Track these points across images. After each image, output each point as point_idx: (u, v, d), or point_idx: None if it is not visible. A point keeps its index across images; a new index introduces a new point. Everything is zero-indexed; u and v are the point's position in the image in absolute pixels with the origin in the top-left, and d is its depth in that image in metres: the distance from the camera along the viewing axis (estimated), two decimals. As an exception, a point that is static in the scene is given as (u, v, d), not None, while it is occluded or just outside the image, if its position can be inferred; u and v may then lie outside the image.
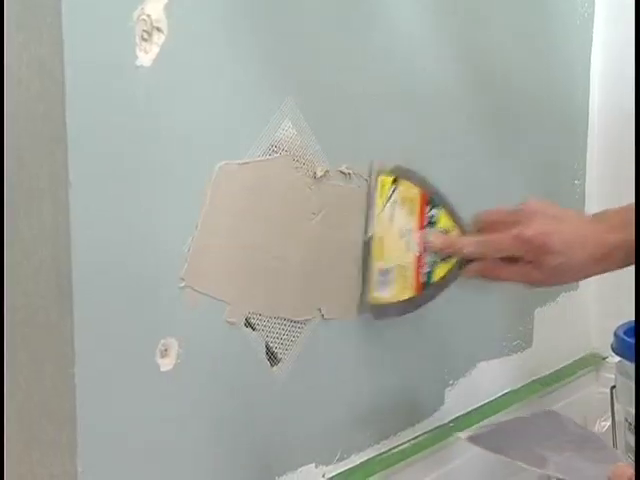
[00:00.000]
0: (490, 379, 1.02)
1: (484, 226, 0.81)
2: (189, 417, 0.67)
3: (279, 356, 0.74)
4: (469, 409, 0.98)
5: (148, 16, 0.60)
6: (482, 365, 1.00)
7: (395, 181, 0.76)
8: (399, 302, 0.77)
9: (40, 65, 0.57)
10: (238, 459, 0.72)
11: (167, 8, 0.61)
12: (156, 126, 0.61)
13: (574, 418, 1.14)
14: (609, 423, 1.06)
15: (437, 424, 0.94)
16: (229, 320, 0.69)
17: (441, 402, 0.95)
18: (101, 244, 0.59)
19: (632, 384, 0.93)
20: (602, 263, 0.79)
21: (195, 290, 0.66)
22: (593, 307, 1.19)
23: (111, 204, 0.60)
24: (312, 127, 0.74)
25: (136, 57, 0.59)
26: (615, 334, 0.99)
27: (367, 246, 0.76)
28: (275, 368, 0.74)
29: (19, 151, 0.59)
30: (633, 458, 0.96)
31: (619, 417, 1.01)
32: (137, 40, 0.59)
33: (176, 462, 0.67)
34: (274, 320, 0.73)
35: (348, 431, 0.83)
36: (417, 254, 0.76)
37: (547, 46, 1.06)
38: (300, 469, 0.78)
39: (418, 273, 0.76)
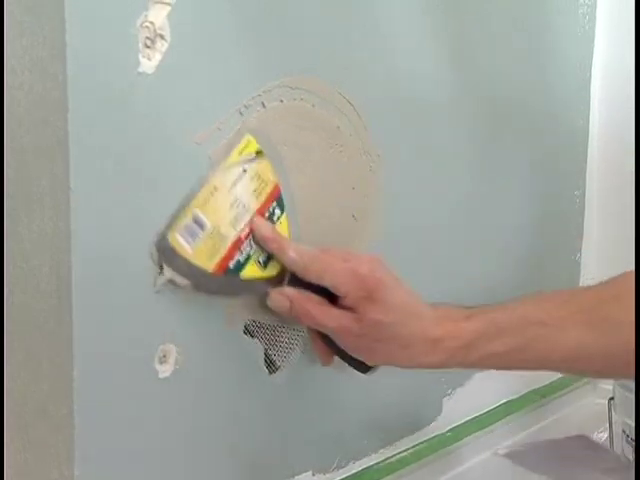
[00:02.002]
0: (488, 389, 1.02)
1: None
2: (186, 423, 0.67)
3: (278, 364, 0.74)
4: (467, 419, 0.98)
5: (151, 23, 0.60)
6: (480, 375, 1.00)
7: (259, 152, 0.67)
8: (191, 264, 0.63)
9: (42, 69, 0.57)
10: (235, 466, 0.72)
11: (170, 15, 0.61)
12: (158, 133, 0.62)
13: (571, 429, 1.14)
14: (606, 435, 1.06)
15: (435, 433, 0.94)
16: (228, 327, 0.69)
17: (439, 411, 0.95)
18: (101, 249, 0.59)
19: (630, 396, 0.93)
20: (445, 350, 0.66)
21: (194, 296, 0.66)
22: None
23: (111, 210, 0.60)
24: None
25: (139, 64, 0.60)
26: (614, 345, 0.99)
27: (196, 186, 0.64)
28: (274, 375, 0.74)
29: (20, 156, 0.60)
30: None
31: (617, 429, 1.01)
32: (140, 47, 0.59)
33: (173, 468, 0.66)
34: (273, 328, 0.73)
35: (346, 439, 0.83)
36: (239, 235, 0.65)
37: (547, 57, 1.06)
38: (297, 477, 0.78)
39: (229, 254, 0.65)
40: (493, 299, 1.00)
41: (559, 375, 1.15)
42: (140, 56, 0.60)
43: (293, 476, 0.77)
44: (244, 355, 0.71)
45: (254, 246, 0.66)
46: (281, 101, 0.71)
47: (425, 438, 0.92)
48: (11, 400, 0.62)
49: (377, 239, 0.82)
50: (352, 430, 0.83)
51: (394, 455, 0.88)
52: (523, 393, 1.08)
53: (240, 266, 0.65)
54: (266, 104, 0.69)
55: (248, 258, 0.66)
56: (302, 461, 0.78)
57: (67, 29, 0.55)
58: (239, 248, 0.65)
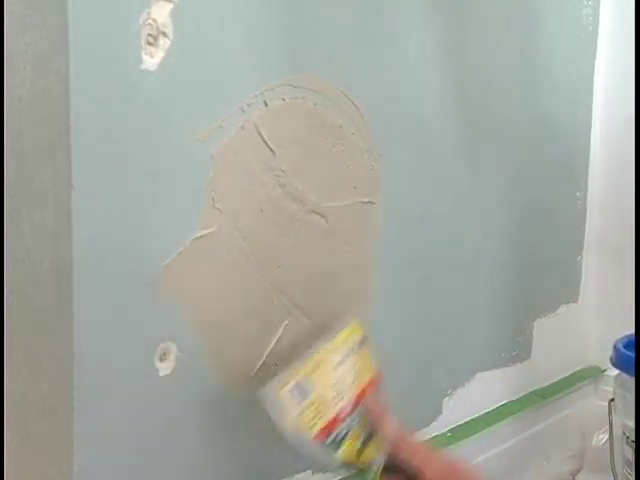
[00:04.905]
0: (488, 389, 1.02)
1: None
2: (186, 421, 0.67)
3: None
4: (467, 419, 0.98)
5: (154, 20, 0.60)
6: (480, 375, 1.00)
7: (364, 339, 0.73)
8: (295, 425, 0.66)
9: (45, 64, 0.57)
10: (234, 465, 0.72)
11: (173, 13, 0.61)
12: (160, 130, 0.62)
13: (571, 430, 1.14)
14: (607, 436, 1.06)
15: (435, 433, 0.94)
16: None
17: (439, 412, 0.94)
18: (102, 247, 0.59)
19: (631, 397, 0.93)
20: None
21: (194, 294, 0.66)
22: (593, 319, 1.19)
23: (113, 207, 0.60)
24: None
25: (141, 61, 0.60)
26: (614, 347, 0.99)
27: (306, 353, 0.69)
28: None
29: (22, 152, 0.60)
30: (631, 472, 0.96)
31: (617, 430, 1.00)
32: (143, 44, 0.59)
33: (172, 465, 0.66)
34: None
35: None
36: (339, 412, 0.68)
37: (550, 60, 1.06)
38: (297, 476, 0.78)
39: (328, 427, 0.67)
40: (493, 301, 1.00)
41: (560, 376, 1.15)
42: (143, 53, 0.59)
43: (292, 475, 0.77)
44: (244, 353, 0.71)
45: (353, 426, 0.69)
46: (283, 99, 0.71)
47: (425, 438, 0.92)
48: (11, 397, 0.62)
49: (378, 236, 0.82)
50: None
51: (394, 455, 0.88)
52: (524, 394, 1.08)
53: (338, 442, 0.67)
54: (268, 102, 0.69)
55: (346, 436, 0.68)
56: (302, 460, 0.78)
57: (70, 25, 0.55)
58: (337, 424, 0.68)
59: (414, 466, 0.68)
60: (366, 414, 0.70)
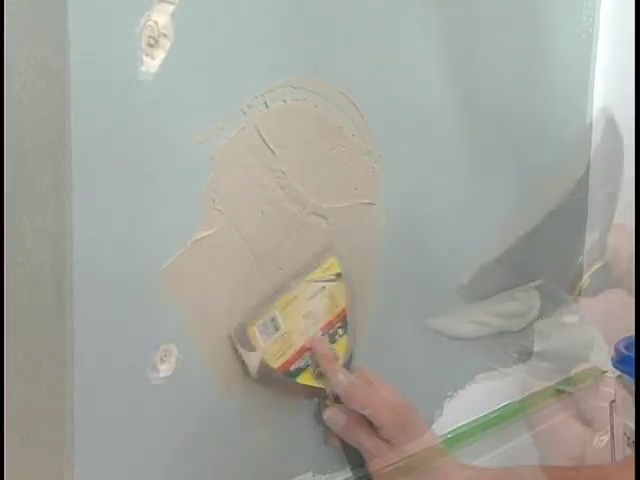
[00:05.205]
0: (489, 391, 1.02)
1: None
2: (186, 422, 0.67)
3: (278, 363, 0.74)
4: (468, 421, 0.98)
5: (155, 22, 0.60)
6: (482, 376, 1.00)
7: (339, 275, 0.75)
8: (261, 358, 0.70)
9: (45, 67, 0.57)
10: (232, 467, 0.72)
11: (174, 15, 0.61)
12: (161, 132, 0.62)
13: (572, 432, 1.14)
14: (608, 438, 1.06)
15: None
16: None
17: (440, 413, 0.94)
18: (103, 248, 0.59)
19: (632, 398, 0.93)
20: None
21: (195, 296, 0.66)
22: (593, 320, 1.19)
23: (114, 209, 0.60)
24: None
25: (142, 63, 0.60)
26: (615, 348, 0.99)
27: (281, 288, 0.72)
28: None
29: (21, 154, 0.60)
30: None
31: (618, 432, 1.00)
32: (143, 46, 0.60)
33: (173, 467, 0.66)
34: (274, 327, 0.74)
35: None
36: (304, 344, 0.73)
37: (550, 61, 1.06)
38: (297, 478, 0.78)
39: (292, 359, 0.72)
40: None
41: (561, 377, 1.15)
42: (143, 55, 0.60)
43: (292, 477, 0.77)
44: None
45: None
46: (284, 101, 0.71)
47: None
48: (10, 397, 0.62)
49: (378, 238, 0.82)
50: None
51: (394, 456, 0.88)
52: (524, 396, 1.08)
53: (298, 371, 0.73)
54: (269, 104, 0.70)
55: (307, 366, 0.73)
56: (301, 462, 0.78)
57: (70, 27, 0.56)
58: (301, 356, 0.73)
59: (368, 415, 0.74)
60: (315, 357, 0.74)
